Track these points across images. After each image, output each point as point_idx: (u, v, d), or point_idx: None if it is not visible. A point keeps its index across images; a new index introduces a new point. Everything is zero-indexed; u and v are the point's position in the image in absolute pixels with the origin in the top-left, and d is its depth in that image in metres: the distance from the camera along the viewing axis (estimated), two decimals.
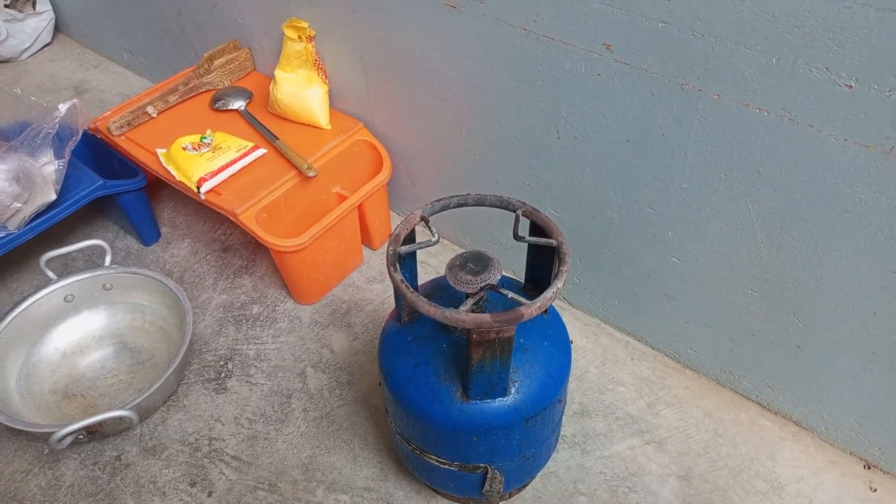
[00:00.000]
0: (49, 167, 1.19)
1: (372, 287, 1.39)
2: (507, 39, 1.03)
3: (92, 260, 1.46)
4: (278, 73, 1.37)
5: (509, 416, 0.86)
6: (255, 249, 1.47)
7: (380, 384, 1.21)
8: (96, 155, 1.44)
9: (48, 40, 2.17)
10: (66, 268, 1.43)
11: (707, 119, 0.90)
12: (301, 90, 1.36)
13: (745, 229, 0.97)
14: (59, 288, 1.24)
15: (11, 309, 1.20)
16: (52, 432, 1.02)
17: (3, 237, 1.21)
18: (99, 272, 1.26)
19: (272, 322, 1.34)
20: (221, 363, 1.27)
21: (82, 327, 1.28)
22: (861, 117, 0.78)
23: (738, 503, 1.04)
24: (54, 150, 1.20)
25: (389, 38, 1.21)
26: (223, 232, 1.52)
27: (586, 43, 0.95)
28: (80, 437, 1.06)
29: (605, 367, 1.23)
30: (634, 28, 0.89)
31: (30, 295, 1.22)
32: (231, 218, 1.24)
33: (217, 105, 1.45)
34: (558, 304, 1.30)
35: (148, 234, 1.48)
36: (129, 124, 1.40)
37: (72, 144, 1.22)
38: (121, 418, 1.05)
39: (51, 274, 1.24)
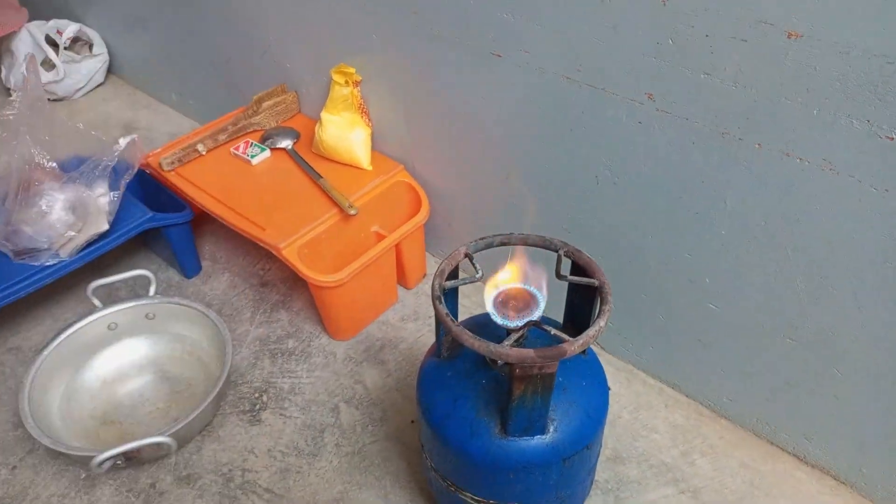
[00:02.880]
0: (104, 198, 1.24)
1: (406, 325, 1.41)
2: (550, 88, 1.07)
3: (135, 290, 1.50)
4: (324, 115, 1.43)
5: (547, 454, 0.86)
6: (292, 285, 1.51)
7: (412, 422, 1.22)
8: (145, 188, 1.50)
9: (101, 81, 2.27)
10: (110, 297, 1.47)
11: (747, 168, 0.92)
12: (345, 132, 1.41)
13: (784, 277, 0.98)
14: (103, 316, 1.28)
15: (57, 335, 1.23)
16: (93, 456, 1.04)
17: (55, 264, 1.25)
18: (143, 301, 1.30)
19: (307, 357, 1.35)
20: (256, 395, 1.28)
21: (124, 355, 1.31)
22: None
23: None
24: (110, 183, 1.25)
25: (433, 84, 1.26)
26: (262, 267, 1.56)
27: (628, 92, 0.98)
28: (119, 462, 1.07)
29: (639, 413, 1.23)
30: (677, 78, 0.92)
31: (75, 321, 1.26)
32: (274, 252, 1.27)
33: (267, 143, 1.50)
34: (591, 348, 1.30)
35: (190, 266, 1.52)
36: (179, 161, 1.45)
37: (127, 178, 1.27)
38: (159, 444, 1.07)
39: (96, 302, 1.28)
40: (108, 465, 1.04)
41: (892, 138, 0.79)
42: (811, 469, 1.13)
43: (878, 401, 0.99)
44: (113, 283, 1.31)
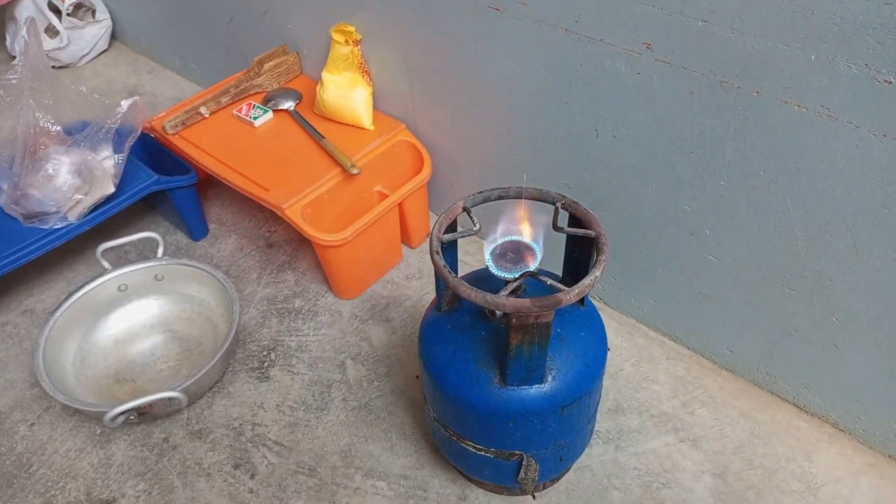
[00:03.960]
0: (109, 161, 1.26)
1: (410, 284, 1.43)
2: (548, 40, 1.06)
3: (144, 253, 1.52)
4: (325, 76, 1.42)
5: (545, 402, 0.88)
6: (298, 246, 1.52)
7: (417, 377, 1.24)
8: (150, 153, 1.51)
9: (105, 47, 2.27)
10: (119, 259, 1.49)
11: (746, 116, 0.92)
12: (346, 92, 1.41)
13: (783, 227, 0.98)
14: (113, 277, 1.30)
15: (69, 296, 1.26)
16: (106, 411, 1.07)
17: (63, 227, 1.27)
18: (151, 263, 1.32)
19: (313, 315, 1.38)
20: (265, 353, 1.31)
21: (134, 316, 1.34)
22: None
23: (773, 502, 1.04)
24: (114, 146, 1.27)
25: (432, 40, 1.25)
26: (268, 229, 1.58)
27: (627, 42, 0.98)
28: (132, 417, 1.10)
29: (640, 365, 1.24)
30: (674, 27, 0.91)
31: (86, 283, 1.28)
32: (277, 212, 1.28)
33: (269, 105, 1.50)
34: (594, 303, 1.32)
35: (197, 229, 1.54)
36: (182, 124, 1.46)
37: (131, 140, 1.28)
38: (170, 399, 1.10)
39: (106, 264, 1.30)
40: (121, 419, 1.08)
41: (891, 82, 0.78)
42: (810, 417, 1.15)
43: (876, 348, 1.00)
44: (122, 246, 1.34)
